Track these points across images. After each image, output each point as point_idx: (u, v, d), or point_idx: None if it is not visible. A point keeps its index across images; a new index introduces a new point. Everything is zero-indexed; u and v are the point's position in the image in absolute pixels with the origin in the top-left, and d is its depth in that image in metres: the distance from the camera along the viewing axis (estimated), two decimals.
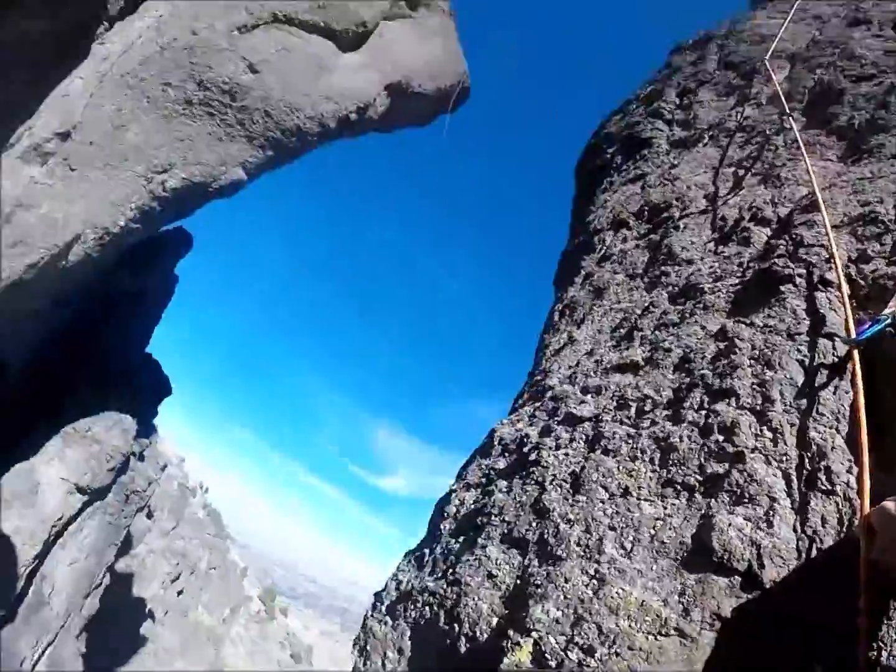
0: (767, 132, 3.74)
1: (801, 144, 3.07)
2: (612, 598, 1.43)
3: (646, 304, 2.43)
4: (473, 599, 1.88)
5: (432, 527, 2.07)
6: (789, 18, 5.58)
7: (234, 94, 7.59)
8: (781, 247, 2.29)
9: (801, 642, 1.22)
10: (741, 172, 3.47)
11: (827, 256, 2.07)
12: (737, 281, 2.27)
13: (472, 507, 1.95)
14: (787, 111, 3.65)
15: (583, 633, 1.50)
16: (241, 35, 7.58)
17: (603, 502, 1.52)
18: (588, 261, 3.41)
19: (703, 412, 1.63)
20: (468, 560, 1.87)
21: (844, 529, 1.27)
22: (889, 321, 1.60)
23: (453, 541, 1.92)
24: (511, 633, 1.70)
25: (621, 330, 2.36)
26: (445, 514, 2.03)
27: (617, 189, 4.22)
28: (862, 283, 1.96)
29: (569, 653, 1.54)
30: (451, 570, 1.83)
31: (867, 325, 1.64)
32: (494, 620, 1.81)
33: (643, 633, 1.38)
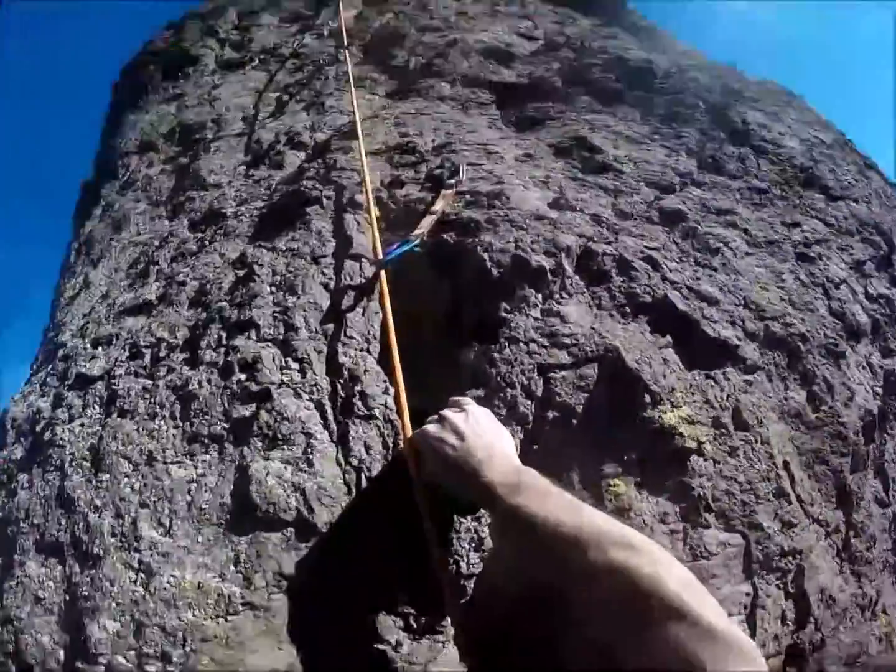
0: (321, 62, 3.69)
1: (351, 77, 3.07)
2: (164, 589, 1.08)
3: (165, 235, 2.12)
4: (31, 635, 1.37)
5: None
6: None
7: None
8: (313, 170, 2.22)
9: (376, 572, 1.13)
10: (286, 98, 3.34)
11: (359, 181, 2.01)
12: (262, 204, 2.10)
13: None
14: (346, 44, 3.64)
15: (149, 641, 1.15)
16: None
17: (128, 476, 1.19)
18: (109, 189, 2.87)
19: (222, 350, 1.41)
20: (11, 586, 1.33)
21: (390, 452, 1.19)
22: (417, 242, 1.60)
23: None
24: (80, 665, 1.26)
25: (138, 266, 2.01)
26: None
27: (151, 109, 3.67)
28: (393, 206, 1.98)
29: (147, 668, 1.18)
30: None
31: (395, 246, 1.60)
32: (62, 653, 1.34)
33: (211, 618, 1.09)
